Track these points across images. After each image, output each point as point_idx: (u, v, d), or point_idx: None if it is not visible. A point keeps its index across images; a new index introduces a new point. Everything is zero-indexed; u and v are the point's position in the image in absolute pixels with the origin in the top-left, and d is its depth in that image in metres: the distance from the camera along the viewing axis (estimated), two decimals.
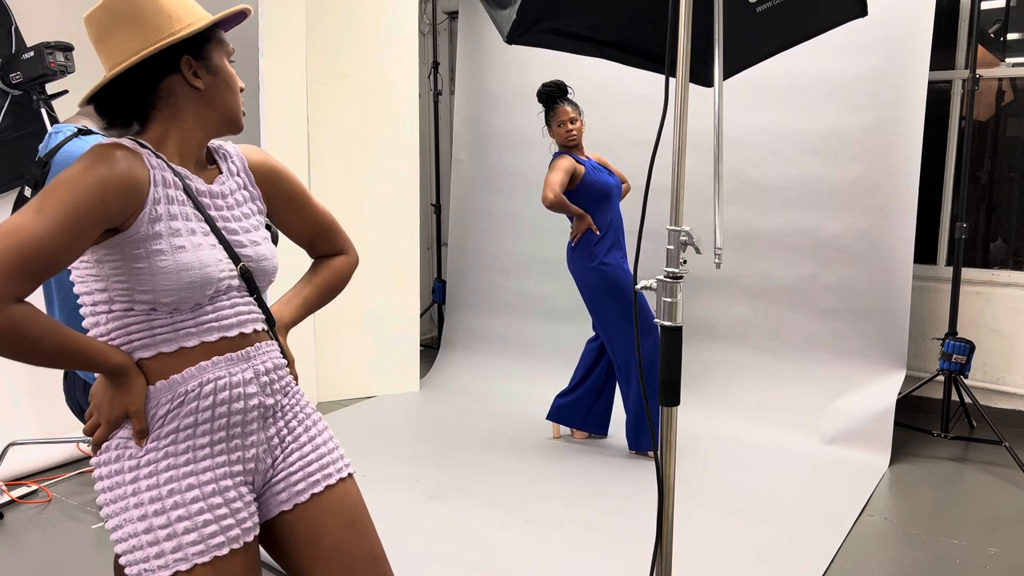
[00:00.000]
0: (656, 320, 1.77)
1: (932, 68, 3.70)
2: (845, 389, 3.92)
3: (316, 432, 1.50)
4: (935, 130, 4.23)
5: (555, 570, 2.76)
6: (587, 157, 3.70)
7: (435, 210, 5.77)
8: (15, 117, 3.46)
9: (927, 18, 3.67)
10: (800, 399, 4.01)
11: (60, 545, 2.98)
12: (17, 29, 3.47)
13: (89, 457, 3.67)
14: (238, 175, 1.47)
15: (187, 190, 1.34)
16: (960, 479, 3.54)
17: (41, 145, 1.87)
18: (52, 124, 3.28)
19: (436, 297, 5.61)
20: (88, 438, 3.50)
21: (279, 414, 1.44)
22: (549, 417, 3.94)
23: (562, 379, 4.52)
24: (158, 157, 1.32)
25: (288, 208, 1.55)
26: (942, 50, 4.24)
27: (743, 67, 2.65)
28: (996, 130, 4.40)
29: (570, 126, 3.60)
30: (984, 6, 4.16)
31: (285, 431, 1.45)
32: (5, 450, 3.41)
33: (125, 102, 1.34)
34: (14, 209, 1.88)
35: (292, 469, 1.44)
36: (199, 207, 1.35)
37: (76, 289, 1.35)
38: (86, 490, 3.44)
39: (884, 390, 3.81)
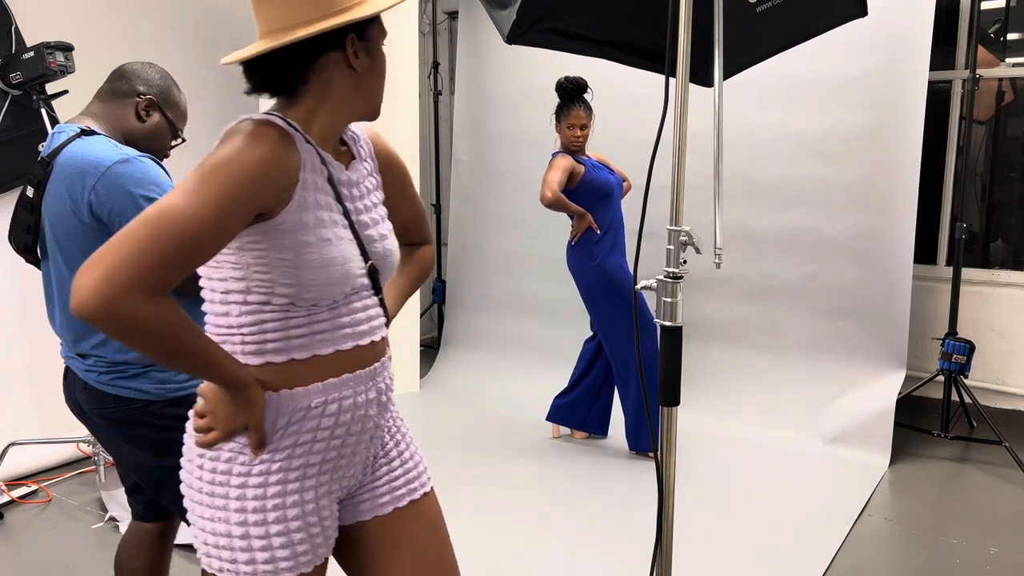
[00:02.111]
0: (656, 320, 1.77)
1: (932, 68, 3.70)
2: (845, 389, 3.92)
3: (404, 446, 1.46)
4: (935, 130, 4.22)
5: (555, 570, 2.76)
6: (587, 156, 3.69)
7: (435, 210, 5.77)
8: (15, 117, 3.46)
9: (927, 18, 3.66)
10: (800, 399, 4.00)
11: (60, 545, 2.98)
12: (17, 29, 3.47)
13: (89, 457, 3.66)
14: (366, 160, 1.39)
15: (330, 178, 1.26)
16: (960, 479, 3.54)
17: (44, 145, 1.86)
18: (52, 124, 3.27)
19: (436, 297, 5.61)
20: (88, 438, 3.50)
21: (381, 431, 1.40)
22: (549, 418, 3.93)
23: (562, 379, 4.51)
24: (307, 140, 1.24)
25: (398, 196, 1.48)
26: (942, 50, 4.23)
27: (743, 67, 2.65)
28: (996, 130, 4.40)
29: (579, 132, 3.58)
30: (984, 6, 4.16)
31: (379, 447, 1.41)
32: (5, 450, 3.40)
33: (279, 72, 1.24)
34: (15, 209, 1.88)
35: (377, 483, 1.40)
36: (339, 197, 1.27)
37: (207, 274, 1.25)
38: (86, 490, 3.44)
39: (884, 390, 3.81)
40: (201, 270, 1.25)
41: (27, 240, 1.85)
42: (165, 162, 1.89)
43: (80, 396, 1.84)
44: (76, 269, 1.74)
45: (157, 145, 1.93)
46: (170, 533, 2.08)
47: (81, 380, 1.81)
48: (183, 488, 1.30)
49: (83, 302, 1.02)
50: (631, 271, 3.66)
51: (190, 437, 1.30)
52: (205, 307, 1.27)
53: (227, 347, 1.24)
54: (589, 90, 3.63)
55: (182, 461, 1.32)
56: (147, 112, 1.89)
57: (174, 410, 1.79)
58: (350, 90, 1.27)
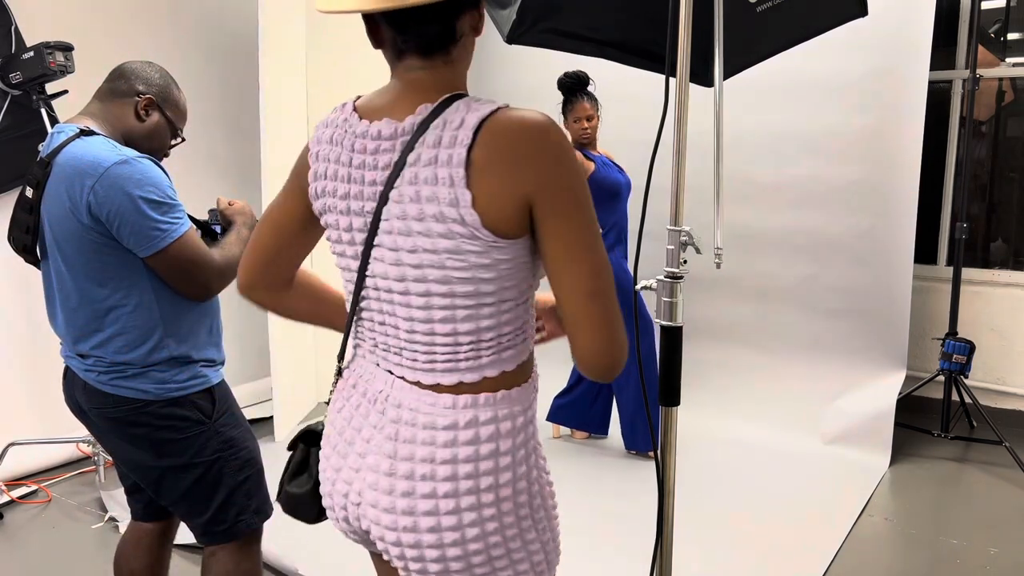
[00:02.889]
0: (656, 320, 1.77)
1: (932, 68, 3.70)
2: (845, 389, 3.92)
3: None
4: (935, 130, 4.23)
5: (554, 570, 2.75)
6: (598, 153, 3.67)
7: None
8: (15, 117, 3.46)
9: (927, 18, 3.66)
10: (800, 399, 4.00)
11: (60, 545, 2.98)
12: (17, 29, 3.47)
13: (89, 457, 3.66)
14: None
15: None
16: (960, 479, 3.54)
17: (43, 145, 1.85)
18: (52, 124, 3.27)
19: None
20: (88, 438, 3.49)
21: None
22: (548, 418, 3.93)
23: (561, 379, 4.52)
24: None
25: None
26: (942, 50, 4.23)
27: (743, 67, 2.65)
28: (996, 130, 4.40)
29: (586, 124, 3.54)
30: (984, 6, 4.16)
31: None
32: (5, 450, 3.40)
33: (446, 24, 1.13)
34: (14, 210, 1.87)
35: None
36: None
37: (485, 288, 1.12)
38: (86, 490, 3.44)
39: (884, 390, 3.81)
40: (487, 288, 1.13)
41: (26, 240, 1.84)
42: (164, 162, 1.89)
43: (80, 396, 1.84)
44: (76, 269, 1.74)
45: (157, 145, 1.92)
46: (169, 533, 2.08)
47: (81, 380, 1.81)
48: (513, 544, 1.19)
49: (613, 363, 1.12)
50: (631, 271, 3.66)
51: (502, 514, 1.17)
52: (466, 324, 1.14)
53: (504, 352, 1.17)
54: (592, 82, 3.60)
55: (507, 523, 1.18)
56: (146, 111, 1.88)
57: (172, 410, 1.79)
58: (470, 55, 1.21)
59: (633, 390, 3.64)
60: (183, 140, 1.99)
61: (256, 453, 1.94)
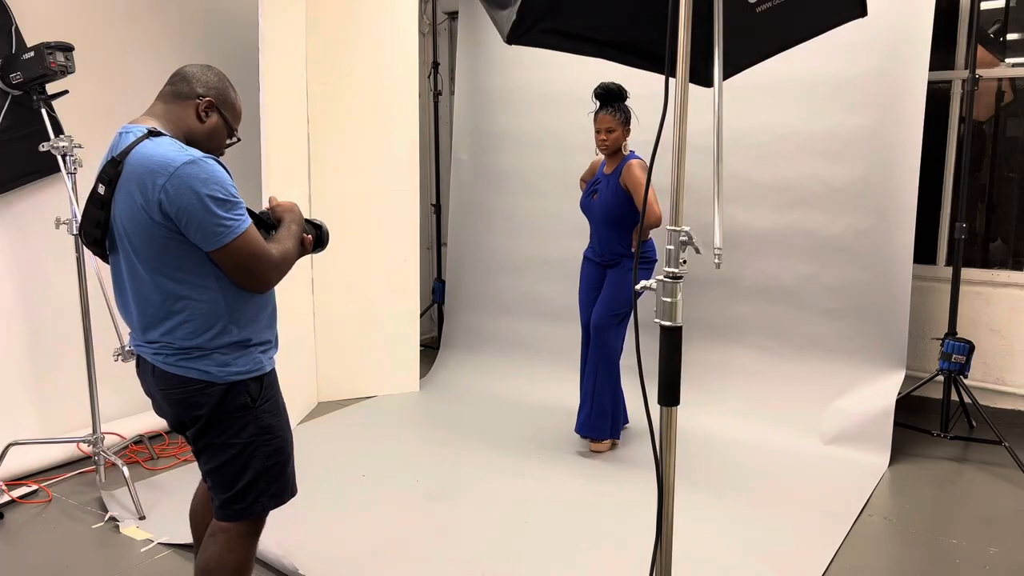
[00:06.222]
0: (656, 320, 1.77)
1: (932, 68, 3.70)
2: (845, 389, 3.92)
3: None
4: (935, 130, 4.23)
5: (555, 570, 2.76)
6: (608, 171, 3.75)
7: (435, 210, 5.77)
8: (15, 117, 3.46)
9: (927, 18, 3.66)
10: (800, 399, 4.00)
11: (60, 545, 2.98)
12: (17, 29, 3.47)
13: (89, 457, 3.66)
14: None
15: None
16: (960, 479, 3.54)
17: (112, 144, 1.93)
18: (53, 124, 3.29)
19: (436, 297, 5.61)
20: (88, 438, 3.50)
21: None
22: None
23: (561, 379, 4.52)
24: None
25: None
26: (942, 50, 4.24)
27: (743, 67, 2.65)
28: (996, 130, 4.40)
29: (604, 135, 3.66)
30: (984, 6, 4.16)
31: None
32: (5, 450, 3.40)
33: None
34: (86, 206, 1.95)
35: None
36: None
37: None
38: (86, 490, 3.44)
39: (884, 390, 3.81)
40: None
41: (97, 234, 1.95)
42: None
43: (149, 379, 1.98)
44: (146, 262, 1.87)
45: (215, 144, 2.04)
46: None
47: (150, 364, 1.95)
48: None
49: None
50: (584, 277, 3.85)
51: None
52: None
53: None
54: (627, 95, 3.68)
55: None
56: (206, 113, 2.01)
57: (228, 392, 1.91)
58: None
59: (603, 382, 3.73)
60: (238, 140, 2.11)
61: (287, 442, 2.06)
